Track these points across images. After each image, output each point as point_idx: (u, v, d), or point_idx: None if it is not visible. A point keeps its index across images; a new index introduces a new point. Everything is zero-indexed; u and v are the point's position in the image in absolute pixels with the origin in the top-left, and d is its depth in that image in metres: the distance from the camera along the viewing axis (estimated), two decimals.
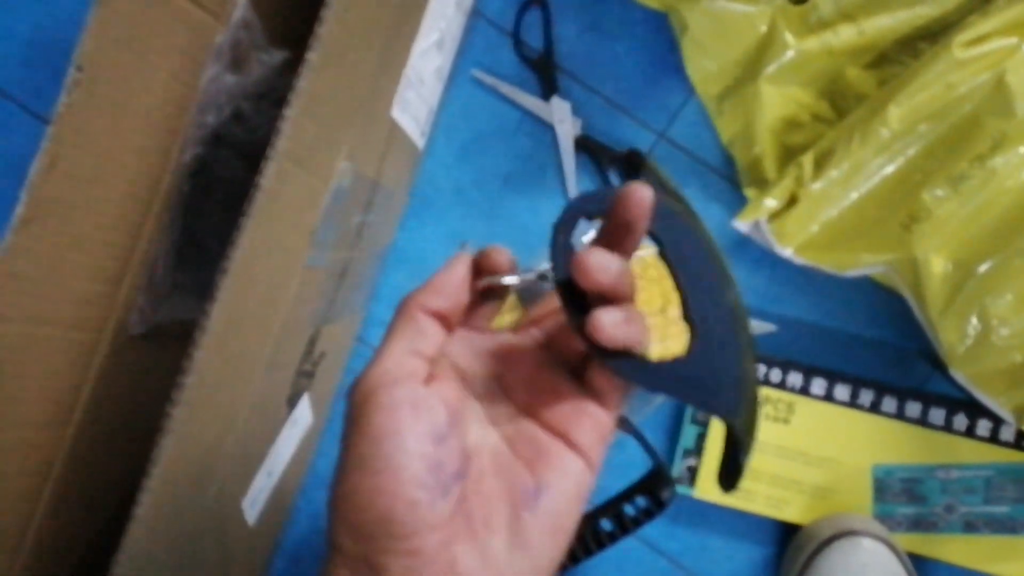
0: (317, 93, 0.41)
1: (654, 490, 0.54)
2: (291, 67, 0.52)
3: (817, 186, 0.56)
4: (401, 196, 0.64)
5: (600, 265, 0.28)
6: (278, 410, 0.52)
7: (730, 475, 0.33)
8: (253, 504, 0.52)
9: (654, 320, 0.59)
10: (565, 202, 0.65)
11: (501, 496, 0.29)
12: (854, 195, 0.56)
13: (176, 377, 0.39)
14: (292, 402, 0.54)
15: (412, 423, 0.28)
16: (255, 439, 0.50)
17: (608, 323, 0.28)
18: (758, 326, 0.61)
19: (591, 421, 0.30)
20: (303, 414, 0.57)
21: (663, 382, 0.30)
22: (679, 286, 0.32)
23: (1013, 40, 0.51)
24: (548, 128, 0.65)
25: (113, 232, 0.45)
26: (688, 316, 0.32)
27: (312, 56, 0.39)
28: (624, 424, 0.55)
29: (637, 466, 0.55)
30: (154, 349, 0.51)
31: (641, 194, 0.29)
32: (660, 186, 0.33)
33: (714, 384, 0.31)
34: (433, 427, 0.28)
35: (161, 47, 0.44)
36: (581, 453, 0.30)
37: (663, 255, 0.32)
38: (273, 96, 0.52)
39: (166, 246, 0.50)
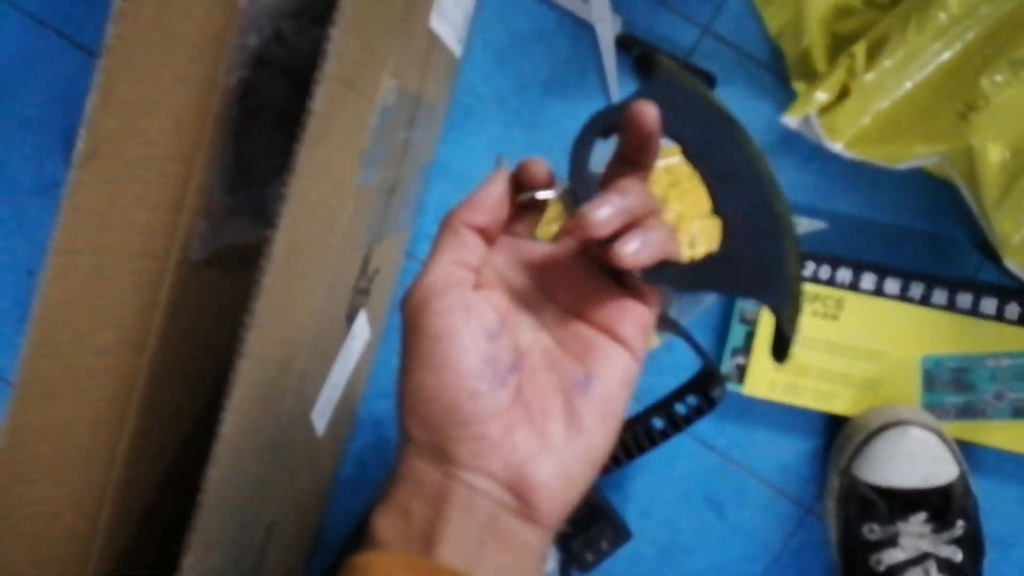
0: (359, 10, 0.40)
1: (705, 389, 0.56)
2: None
3: (870, 76, 0.54)
4: (442, 109, 0.63)
5: (601, 220, 0.29)
6: (338, 327, 0.54)
7: (780, 348, 0.34)
8: (321, 415, 0.55)
9: (703, 223, 0.59)
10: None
11: (555, 386, 0.32)
12: (908, 85, 0.54)
13: (243, 301, 0.40)
14: (351, 318, 0.55)
15: (465, 323, 0.30)
16: (319, 355, 0.51)
17: (629, 253, 0.29)
18: (807, 224, 0.61)
19: (632, 315, 0.32)
20: (361, 329, 0.58)
21: (698, 282, 0.32)
22: (705, 181, 0.33)
23: None
24: (588, 28, 0.63)
25: (168, 161, 0.46)
26: (718, 210, 0.33)
27: None
28: (673, 326, 0.56)
29: (687, 366, 0.56)
30: (217, 274, 0.52)
31: (645, 113, 0.31)
32: (678, 85, 0.33)
33: (751, 273, 0.32)
34: (485, 326, 0.31)
35: None
36: (626, 345, 0.32)
37: (686, 154, 0.33)
38: (311, 13, 0.51)
39: (219, 171, 0.50)
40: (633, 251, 0.29)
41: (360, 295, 0.56)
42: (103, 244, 0.43)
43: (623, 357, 0.32)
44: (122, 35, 0.39)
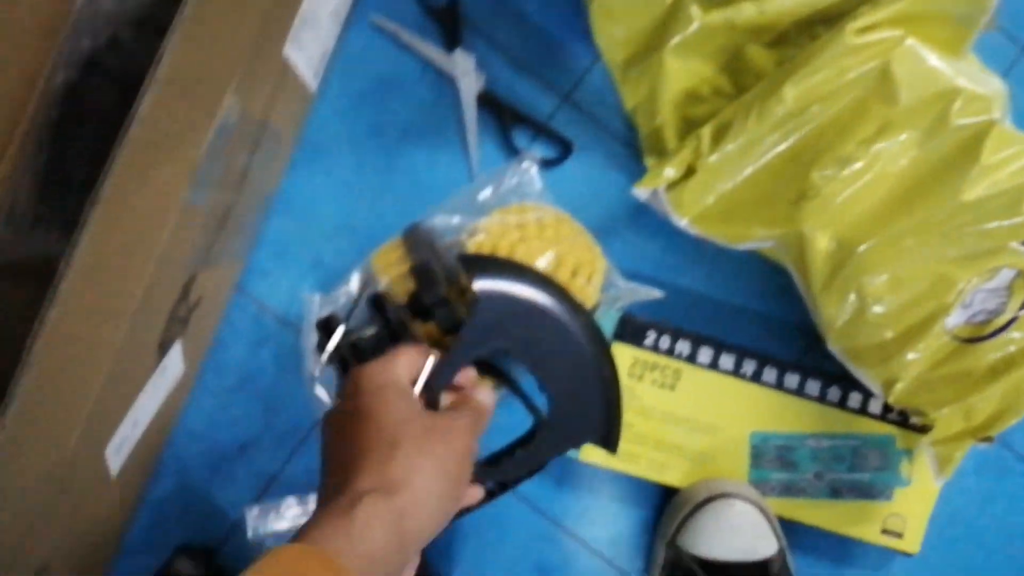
0: (203, 20, 0.38)
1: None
2: None
3: (714, 158, 0.57)
4: (290, 140, 0.61)
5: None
6: (148, 356, 0.49)
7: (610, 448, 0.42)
8: (117, 453, 0.49)
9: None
10: (465, 159, 0.64)
11: None
12: (748, 169, 0.57)
13: (36, 312, 0.36)
14: (163, 348, 0.51)
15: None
16: (122, 384, 0.47)
17: None
18: (645, 292, 0.61)
19: None
20: (174, 362, 0.54)
21: (535, 461, 0.42)
22: (530, 369, 0.42)
23: (899, 32, 0.53)
24: (451, 81, 0.63)
25: None
26: (544, 388, 0.40)
27: None
28: (509, 383, 0.55)
29: (522, 427, 0.55)
30: (14, 287, 0.47)
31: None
32: (493, 301, 0.44)
33: (579, 429, 0.40)
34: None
35: None
36: None
37: (514, 353, 0.42)
38: (155, 23, 0.49)
39: (30, 175, 0.46)
40: None
41: (178, 324, 0.51)
42: None
43: None
44: None
